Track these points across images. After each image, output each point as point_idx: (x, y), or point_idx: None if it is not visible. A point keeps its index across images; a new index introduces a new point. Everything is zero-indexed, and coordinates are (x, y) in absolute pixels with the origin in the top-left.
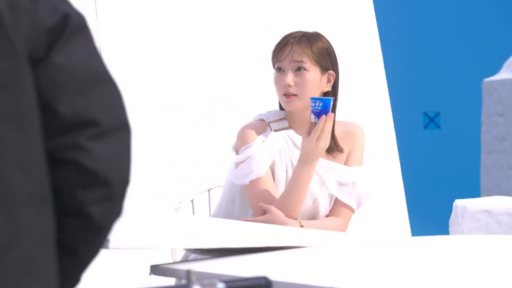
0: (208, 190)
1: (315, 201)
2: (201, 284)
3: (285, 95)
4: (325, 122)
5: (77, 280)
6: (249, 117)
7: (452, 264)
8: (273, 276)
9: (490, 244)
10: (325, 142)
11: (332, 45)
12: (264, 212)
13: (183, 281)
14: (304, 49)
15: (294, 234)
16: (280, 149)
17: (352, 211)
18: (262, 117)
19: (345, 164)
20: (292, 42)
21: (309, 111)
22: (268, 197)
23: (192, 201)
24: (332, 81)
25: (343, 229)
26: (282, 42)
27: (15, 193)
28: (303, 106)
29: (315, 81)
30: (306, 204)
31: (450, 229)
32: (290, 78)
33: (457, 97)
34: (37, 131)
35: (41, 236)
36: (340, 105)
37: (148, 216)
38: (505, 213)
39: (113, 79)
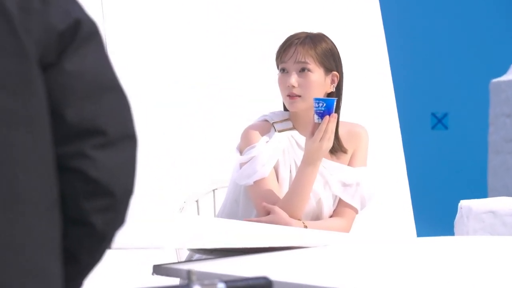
0: (213, 190)
1: (318, 202)
2: (202, 284)
3: (289, 96)
4: (329, 123)
5: (79, 285)
6: (249, 117)
7: (457, 265)
8: (274, 276)
9: (494, 245)
10: (329, 143)
11: (336, 46)
12: (268, 213)
13: (184, 281)
14: (308, 50)
15: (298, 234)
16: (284, 150)
17: (356, 211)
18: (266, 117)
19: (349, 164)
20: (296, 43)
21: (313, 112)
22: (272, 198)
23: (197, 201)
24: (336, 82)
25: (346, 229)
26: (286, 43)
27: (24, 195)
28: (307, 107)
29: (319, 82)
30: (309, 205)
31: (455, 229)
32: (294, 79)
33: (465, 98)
34: (47, 135)
35: (47, 239)
36: (346, 105)
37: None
38: (511, 214)
39: (122, 88)
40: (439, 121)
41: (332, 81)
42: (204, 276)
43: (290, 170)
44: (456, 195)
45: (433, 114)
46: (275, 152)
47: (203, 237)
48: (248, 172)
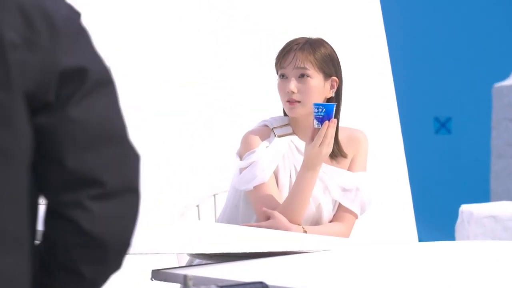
0: (214, 195)
1: (318, 207)
2: None
3: (288, 101)
4: (328, 128)
5: None
6: (249, 122)
7: (457, 269)
8: (271, 281)
9: (495, 249)
10: (328, 148)
11: (336, 51)
12: (267, 218)
13: (178, 286)
14: (307, 56)
15: (298, 239)
16: (283, 155)
17: (356, 216)
18: (266, 123)
19: (348, 169)
20: (295, 49)
21: (312, 117)
22: (271, 203)
23: (197, 206)
24: (336, 87)
25: (346, 234)
26: (285, 48)
27: None
28: (306, 112)
29: (318, 87)
30: (309, 210)
31: (456, 234)
32: (293, 85)
33: (468, 102)
34: (21, 171)
35: (13, 275)
36: (347, 110)
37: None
38: None
39: (129, 140)
40: (442, 126)
41: (332, 86)
42: (201, 281)
43: (290, 175)
44: (458, 200)
45: (436, 119)
46: (275, 157)
47: (202, 242)
48: (248, 177)
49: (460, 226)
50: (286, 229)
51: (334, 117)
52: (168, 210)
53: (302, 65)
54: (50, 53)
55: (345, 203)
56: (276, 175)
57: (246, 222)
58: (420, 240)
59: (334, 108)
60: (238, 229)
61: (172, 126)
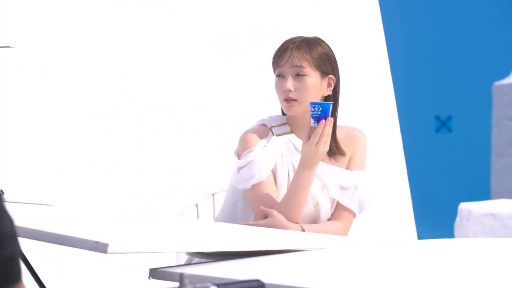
0: (213, 194)
1: (316, 205)
2: (194, 287)
3: (285, 100)
4: (325, 127)
5: None
6: (246, 117)
7: (456, 267)
8: (267, 279)
9: (494, 247)
10: (325, 147)
11: (332, 50)
12: (265, 216)
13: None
14: (304, 54)
15: (296, 237)
16: (281, 154)
17: (354, 215)
18: (264, 122)
19: (347, 168)
20: (292, 48)
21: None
22: (269, 201)
23: (196, 205)
24: (333, 85)
25: (344, 233)
26: (282, 47)
27: None
28: (303, 111)
29: (315, 86)
30: (307, 208)
31: (455, 232)
32: (290, 83)
33: (468, 101)
34: None
35: None
36: (346, 108)
37: (148, 225)
38: (511, 217)
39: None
40: (443, 124)
41: (329, 85)
42: (198, 279)
43: (288, 174)
44: (459, 198)
45: (437, 117)
46: (273, 156)
47: (200, 240)
48: (246, 176)
49: (459, 224)
50: (284, 227)
51: (331, 116)
52: (167, 209)
53: (298, 64)
54: None
55: (343, 202)
56: (274, 173)
57: (244, 221)
58: (420, 238)
59: (331, 107)
60: (236, 228)
61: (171, 126)
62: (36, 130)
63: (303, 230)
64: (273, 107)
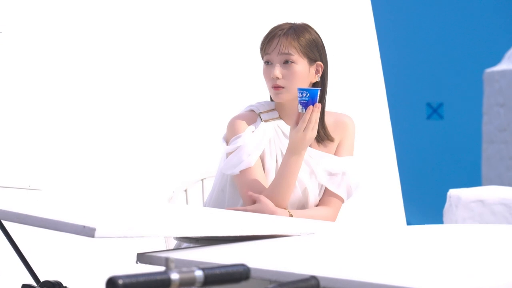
0: (202, 180)
1: (304, 191)
2: (179, 272)
3: (273, 87)
4: (312, 113)
5: None
6: (235, 103)
7: (445, 252)
8: (253, 264)
9: (482, 233)
10: (312, 132)
11: (320, 36)
12: (253, 202)
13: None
14: (291, 41)
15: (283, 223)
16: (270, 139)
17: (342, 200)
18: (253, 107)
19: (335, 154)
20: (280, 35)
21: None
22: (257, 187)
23: (185, 190)
24: (321, 72)
25: (332, 218)
26: (269, 34)
27: None
28: (291, 97)
29: (303, 73)
30: (295, 194)
31: (444, 218)
32: (278, 70)
33: (460, 88)
34: None
35: None
36: (336, 95)
37: (137, 210)
38: (499, 203)
39: None
40: (434, 111)
41: (317, 71)
42: (184, 264)
43: (276, 160)
44: (450, 185)
45: (428, 104)
46: (261, 142)
47: (188, 225)
48: (234, 162)
49: (448, 211)
50: (272, 213)
51: (319, 102)
52: (156, 195)
53: (286, 51)
54: None
55: (331, 187)
56: (262, 159)
57: (232, 206)
58: (409, 224)
59: (319, 93)
60: (224, 213)
61: (160, 112)
62: (24, 116)
63: (291, 215)
64: (261, 93)
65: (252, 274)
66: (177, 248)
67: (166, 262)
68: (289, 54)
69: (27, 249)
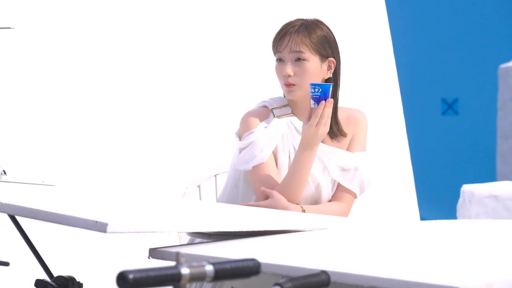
0: (215, 175)
1: (317, 186)
2: (190, 266)
3: (286, 84)
4: (325, 108)
5: None
6: (248, 99)
7: (458, 247)
8: (264, 259)
9: (495, 228)
10: (325, 128)
11: (332, 32)
12: (266, 197)
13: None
14: (303, 39)
15: (296, 218)
16: (282, 135)
17: (355, 196)
18: (265, 103)
19: (347, 149)
20: (291, 32)
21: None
22: (270, 182)
23: (199, 186)
24: (333, 68)
25: (345, 214)
26: (281, 31)
27: None
28: (304, 94)
29: (315, 69)
30: (308, 189)
31: (458, 214)
32: (289, 68)
33: (474, 84)
34: None
35: None
36: (349, 90)
37: (149, 205)
38: None
39: None
40: (450, 107)
41: (329, 67)
42: (195, 259)
43: (289, 155)
44: (465, 180)
45: (443, 100)
46: (274, 138)
47: (200, 221)
48: (247, 158)
49: (461, 206)
50: (284, 208)
51: (332, 97)
52: (169, 190)
53: (297, 49)
54: None
55: (344, 183)
56: (275, 155)
57: (245, 202)
58: (422, 219)
59: (331, 88)
60: (237, 208)
61: (175, 108)
62: (37, 111)
63: (303, 211)
64: (274, 89)
65: (263, 269)
66: (189, 244)
67: (177, 256)
68: (300, 51)
69: (40, 244)
